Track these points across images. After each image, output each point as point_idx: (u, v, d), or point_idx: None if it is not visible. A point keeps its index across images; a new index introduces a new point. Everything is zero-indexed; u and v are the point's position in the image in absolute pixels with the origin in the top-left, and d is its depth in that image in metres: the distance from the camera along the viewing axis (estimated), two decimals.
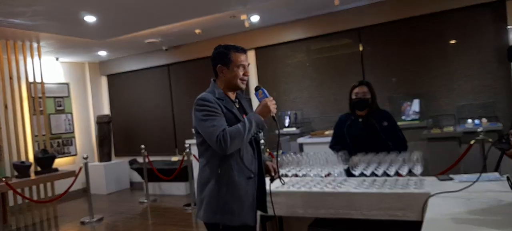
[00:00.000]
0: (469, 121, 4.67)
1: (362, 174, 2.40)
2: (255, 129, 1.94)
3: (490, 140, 3.47)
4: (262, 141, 4.93)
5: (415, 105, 5.13)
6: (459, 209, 1.78)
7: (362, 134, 2.91)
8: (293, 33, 6.00)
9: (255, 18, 5.54)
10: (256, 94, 2.06)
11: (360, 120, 2.97)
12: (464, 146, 3.96)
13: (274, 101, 2.01)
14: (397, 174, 2.34)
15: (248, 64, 2.08)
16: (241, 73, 2.02)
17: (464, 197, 1.94)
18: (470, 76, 4.91)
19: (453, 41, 5.03)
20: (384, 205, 2.14)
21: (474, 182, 2.05)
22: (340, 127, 3.05)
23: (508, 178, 1.96)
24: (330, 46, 5.89)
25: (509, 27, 4.64)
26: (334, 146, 3.00)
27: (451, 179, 2.36)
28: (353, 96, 2.99)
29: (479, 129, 3.71)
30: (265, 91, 2.04)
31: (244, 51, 2.07)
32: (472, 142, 3.66)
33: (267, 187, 2.14)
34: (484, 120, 4.59)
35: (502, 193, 1.95)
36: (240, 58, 2.02)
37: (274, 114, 2.01)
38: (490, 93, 4.81)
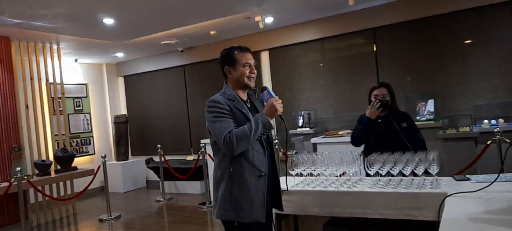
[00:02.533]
0: (485, 121, 4.60)
1: (377, 173, 2.38)
2: (262, 130, 1.98)
3: (508, 140, 3.41)
4: (276, 141, 5.00)
5: (430, 105, 5.09)
6: (477, 209, 1.74)
7: (382, 135, 2.91)
8: (307, 34, 6.01)
9: (269, 20, 5.58)
10: (262, 95, 2.12)
11: (379, 121, 2.98)
12: (481, 146, 3.91)
13: (280, 101, 2.05)
14: (413, 173, 2.34)
15: (254, 63, 2.14)
16: (247, 71, 2.08)
17: (482, 197, 1.90)
18: (488, 75, 4.83)
19: (469, 41, 4.96)
20: (401, 204, 2.12)
21: (492, 182, 2.02)
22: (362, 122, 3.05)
23: None
24: (344, 46, 5.87)
25: None
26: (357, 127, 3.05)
27: (468, 179, 2.32)
28: (373, 98, 3.00)
29: (496, 129, 3.66)
30: (270, 91, 2.09)
31: (248, 50, 2.14)
32: (489, 142, 3.61)
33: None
34: (501, 120, 4.52)
35: None
36: (245, 57, 2.09)
37: (281, 114, 2.04)
38: (508, 93, 4.73)
